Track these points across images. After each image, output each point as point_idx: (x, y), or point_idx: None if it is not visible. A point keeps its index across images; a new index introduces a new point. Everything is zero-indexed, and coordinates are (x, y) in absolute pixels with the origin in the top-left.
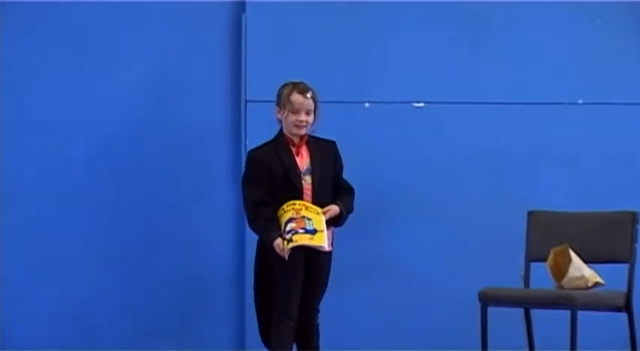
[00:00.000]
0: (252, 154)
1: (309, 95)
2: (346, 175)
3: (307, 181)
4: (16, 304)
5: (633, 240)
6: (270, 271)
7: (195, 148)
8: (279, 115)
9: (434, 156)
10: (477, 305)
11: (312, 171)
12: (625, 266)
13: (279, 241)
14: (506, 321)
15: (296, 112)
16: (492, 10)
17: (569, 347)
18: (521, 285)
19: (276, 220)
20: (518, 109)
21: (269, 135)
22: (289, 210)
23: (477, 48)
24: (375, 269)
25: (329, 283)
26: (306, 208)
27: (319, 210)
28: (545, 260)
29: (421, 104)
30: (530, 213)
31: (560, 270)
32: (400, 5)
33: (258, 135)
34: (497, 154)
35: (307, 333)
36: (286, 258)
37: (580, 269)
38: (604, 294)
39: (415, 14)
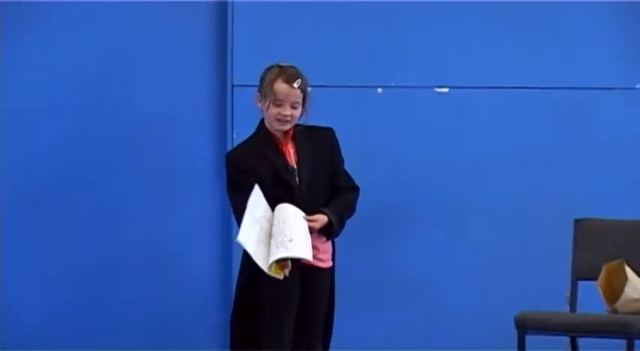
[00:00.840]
0: (231, 157)
1: (296, 85)
2: (354, 174)
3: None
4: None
5: None
6: (255, 297)
7: (172, 140)
8: (259, 104)
9: (460, 152)
10: (514, 332)
11: (298, 171)
12: None
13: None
14: None
15: (279, 104)
16: None
17: None
18: (567, 308)
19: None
20: (563, 95)
21: None
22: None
23: (512, 24)
24: (390, 290)
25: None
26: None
27: (301, 214)
28: (595, 279)
29: (445, 89)
30: (577, 221)
31: (614, 290)
32: None
33: (246, 125)
34: (537, 150)
35: None
36: (281, 277)
37: (638, 289)
38: None
39: None
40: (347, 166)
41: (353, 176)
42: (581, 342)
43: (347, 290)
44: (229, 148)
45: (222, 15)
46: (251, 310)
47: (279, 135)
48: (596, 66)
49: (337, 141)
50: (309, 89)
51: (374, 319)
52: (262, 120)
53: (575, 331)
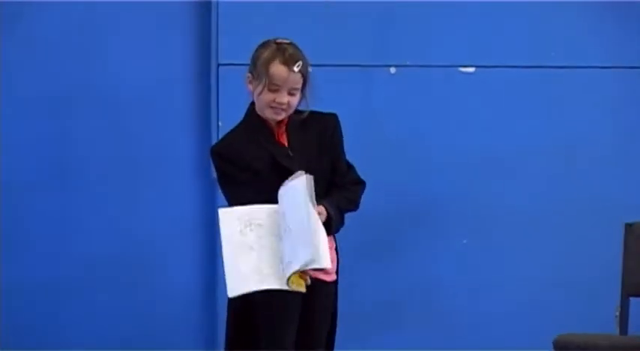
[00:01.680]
0: (217, 150)
1: (296, 68)
2: (362, 168)
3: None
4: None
5: None
6: (251, 319)
7: (147, 129)
8: (251, 87)
9: (488, 143)
10: None
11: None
12: None
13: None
14: None
15: (275, 89)
16: None
17: None
18: (616, 329)
19: None
20: (613, 75)
21: None
22: None
23: None
24: (405, 308)
25: (344, 330)
26: None
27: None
28: None
29: (471, 69)
30: (628, 226)
31: None
32: None
33: (234, 111)
34: (581, 141)
35: None
36: (304, 290)
37: None
38: None
39: None
40: (353, 159)
41: (360, 171)
42: None
43: (353, 309)
44: (214, 136)
45: None
46: (247, 333)
47: (272, 122)
48: None
49: (340, 129)
50: (310, 69)
51: (385, 342)
52: (252, 104)
53: None
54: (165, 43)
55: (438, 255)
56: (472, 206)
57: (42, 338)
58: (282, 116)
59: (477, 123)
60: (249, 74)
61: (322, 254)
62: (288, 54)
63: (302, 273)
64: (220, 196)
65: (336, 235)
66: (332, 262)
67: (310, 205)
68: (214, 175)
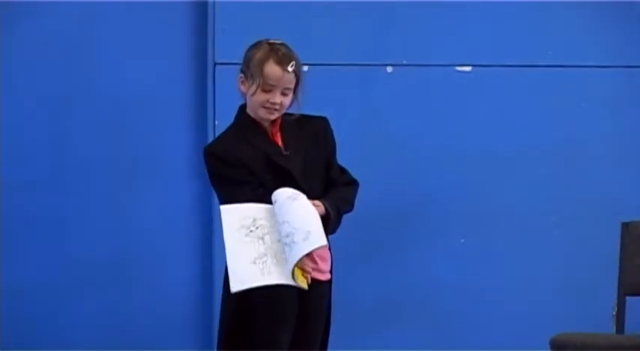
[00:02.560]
0: (210, 150)
1: (290, 68)
2: (358, 168)
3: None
4: None
5: None
6: (247, 317)
7: (143, 128)
8: (243, 87)
9: (486, 143)
10: None
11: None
12: None
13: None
14: None
15: (268, 90)
16: None
17: None
18: (613, 329)
19: None
20: (612, 74)
21: None
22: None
23: None
24: (402, 308)
25: (341, 330)
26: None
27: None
28: None
29: (468, 68)
30: (625, 225)
31: None
32: None
33: (230, 110)
34: (578, 141)
35: None
36: (306, 287)
37: None
38: None
39: None
40: (350, 159)
41: (357, 171)
42: None
43: (350, 308)
44: (210, 135)
45: None
46: (242, 333)
47: (265, 123)
48: None
49: (332, 131)
50: (305, 68)
51: (382, 342)
52: (242, 106)
53: None
54: (161, 42)
55: (436, 254)
56: (469, 205)
57: (41, 338)
58: (275, 116)
59: (474, 122)
60: (242, 75)
61: (318, 233)
62: (281, 53)
63: (303, 270)
64: (216, 195)
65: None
66: (326, 261)
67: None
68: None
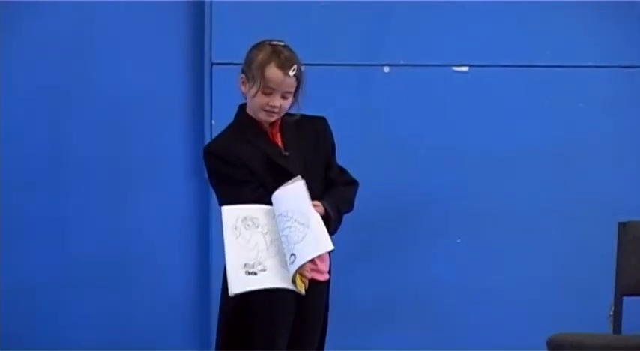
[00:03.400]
0: (210, 149)
1: (291, 72)
2: (356, 168)
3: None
4: None
5: None
6: (245, 314)
7: (140, 127)
8: (243, 88)
9: (483, 142)
10: None
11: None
12: None
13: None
14: None
15: (268, 93)
16: None
17: None
18: (610, 329)
19: None
20: (610, 74)
21: None
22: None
23: None
24: (404, 306)
25: (339, 330)
26: None
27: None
28: None
29: (465, 68)
30: (622, 226)
31: None
32: None
33: (227, 110)
34: (576, 141)
35: None
36: (303, 292)
37: None
38: None
39: None
40: (348, 159)
41: (354, 171)
42: None
43: (348, 308)
44: (207, 135)
45: None
46: (240, 333)
47: (265, 124)
48: None
49: (331, 131)
50: (303, 68)
51: (380, 342)
52: (242, 106)
53: None
54: (159, 42)
55: (434, 254)
56: (466, 205)
57: (41, 338)
58: (274, 119)
59: (472, 122)
60: (243, 75)
61: (324, 239)
62: (283, 57)
63: (302, 276)
64: (214, 195)
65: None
66: (324, 261)
67: (311, 205)
68: (206, 175)
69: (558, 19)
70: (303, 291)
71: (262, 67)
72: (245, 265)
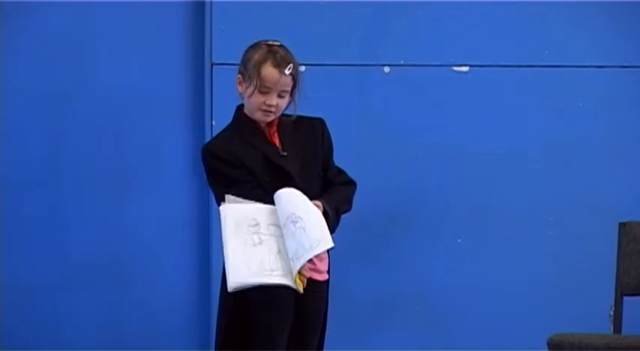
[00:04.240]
0: (208, 148)
1: (287, 71)
2: (355, 168)
3: None
4: None
5: None
6: (244, 313)
7: (139, 128)
8: (240, 88)
9: (483, 143)
10: None
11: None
12: None
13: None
14: None
15: (265, 92)
16: None
17: None
18: (610, 328)
19: None
20: (610, 74)
21: None
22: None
23: None
24: (398, 309)
25: (338, 330)
26: None
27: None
28: None
29: (465, 68)
30: (622, 226)
31: None
32: None
33: (228, 111)
34: (576, 141)
35: None
36: (301, 291)
37: None
38: None
39: None
40: (347, 159)
41: (354, 171)
42: None
43: (347, 308)
44: (207, 136)
45: None
46: (240, 332)
47: (262, 124)
48: None
49: (328, 132)
50: (302, 68)
51: (379, 342)
52: (240, 106)
53: None
54: (159, 42)
55: (433, 254)
56: (466, 205)
57: (41, 338)
58: (271, 118)
59: (471, 122)
60: (240, 75)
61: (325, 236)
62: (279, 56)
63: (301, 275)
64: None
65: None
66: (323, 261)
67: (311, 203)
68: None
69: (558, 20)
70: (301, 290)
71: (258, 66)
72: (246, 260)
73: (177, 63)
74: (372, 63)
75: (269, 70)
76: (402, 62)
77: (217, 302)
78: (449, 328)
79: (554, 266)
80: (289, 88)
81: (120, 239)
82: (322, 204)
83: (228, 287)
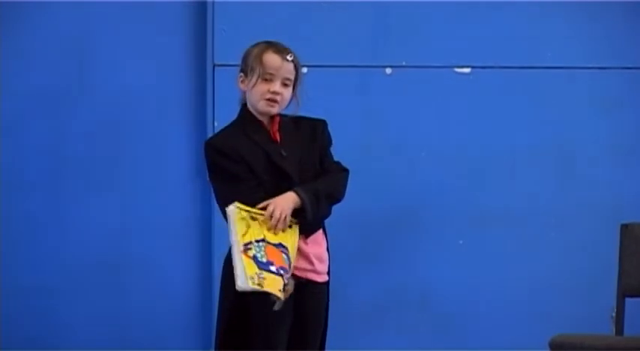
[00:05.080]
0: (211, 142)
1: (289, 57)
2: (357, 170)
3: None
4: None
5: None
6: (244, 313)
7: (142, 128)
8: (242, 85)
9: (485, 144)
10: None
11: (287, 159)
12: None
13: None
14: None
15: (269, 79)
16: None
17: None
18: (612, 330)
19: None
20: (613, 76)
21: None
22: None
23: None
24: (404, 307)
25: (339, 331)
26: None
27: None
28: None
29: (467, 70)
30: (624, 227)
31: None
32: None
33: (229, 112)
34: (578, 143)
35: None
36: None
37: None
38: None
39: None
40: (349, 160)
41: (355, 172)
42: None
43: (348, 309)
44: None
45: None
46: (239, 333)
47: (265, 121)
48: None
49: (329, 133)
50: (304, 70)
51: (380, 343)
52: (244, 106)
53: None
54: (161, 43)
55: (434, 255)
56: (468, 207)
57: (41, 338)
58: (276, 108)
59: (473, 124)
60: (241, 74)
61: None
62: (280, 46)
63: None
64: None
65: (330, 235)
66: (323, 262)
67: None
68: (207, 174)
69: (560, 21)
70: (281, 297)
71: (260, 55)
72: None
73: (179, 64)
74: (374, 64)
75: (271, 56)
76: (403, 63)
77: (218, 302)
78: (450, 329)
79: (556, 267)
80: (292, 77)
81: (121, 240)
82: (295, 191)
83: (236, 287)
